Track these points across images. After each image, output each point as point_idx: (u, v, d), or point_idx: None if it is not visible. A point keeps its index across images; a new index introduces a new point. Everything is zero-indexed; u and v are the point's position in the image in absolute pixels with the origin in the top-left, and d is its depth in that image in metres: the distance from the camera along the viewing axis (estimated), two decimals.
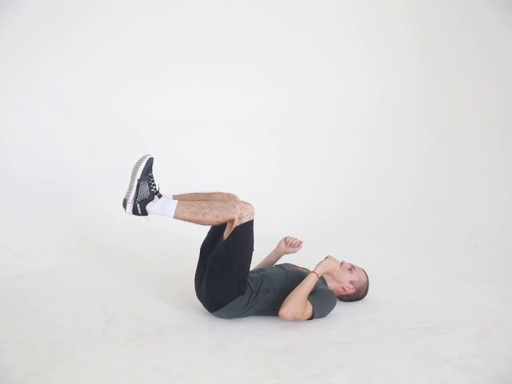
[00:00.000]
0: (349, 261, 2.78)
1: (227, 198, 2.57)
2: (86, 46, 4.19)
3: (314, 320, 2.49)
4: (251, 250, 2.48)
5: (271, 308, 2.49)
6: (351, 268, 2.70)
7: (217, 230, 2.52)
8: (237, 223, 2.41)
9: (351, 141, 4.78)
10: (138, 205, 2.42)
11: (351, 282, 2.68)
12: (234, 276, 2.40)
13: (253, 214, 2.44)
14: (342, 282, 2.67)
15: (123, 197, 2.46)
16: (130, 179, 2.44)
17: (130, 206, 2.43)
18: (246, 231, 2.42)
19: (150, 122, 4.37)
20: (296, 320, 2.43)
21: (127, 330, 2.37)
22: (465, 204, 4.19)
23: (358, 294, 2.71)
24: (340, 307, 2.65)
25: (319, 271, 2.53)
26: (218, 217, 2.42)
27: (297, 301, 2.40)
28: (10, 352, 2.14)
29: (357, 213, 4.35)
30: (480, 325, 2.47)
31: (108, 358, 2.12)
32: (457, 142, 4.56)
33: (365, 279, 2.73)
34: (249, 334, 2.35)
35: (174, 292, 2.84)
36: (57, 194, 3.89)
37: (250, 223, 2.44)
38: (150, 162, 2.46)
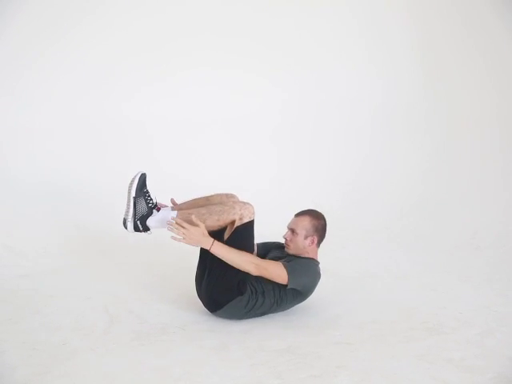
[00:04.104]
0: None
1: (226, 199, 2.55)
2: (89, 47, 4.19)
3: (316, 320, 2.49)
4: (251, 249, 2.48)
5: (273, 309, 2.49)
6: (292, 231, 2.58)
7: (217, 230, 2.51)
8: (238, 223, 2.40)
9: (352, 141, 4.78)
10: (139, 222, 2.44)
11: (306, 237, 2.56)
12: (233, 276, 2.40)
13: (253, 214, 2.43)
14: (304, 246, 2.56)
15: (122, 216, 2.45)
16: (126, 198, 2.44)
17: (130, 225, 2.44)
18: (246, 231, 2.42)
19: (153, 122, 4.37)
20: (270, 275, 2.39)
21: (129, 330, 2.38)
22: (467, 205, 4.18)
23: (319, 230, 2.58)
24: (342, 307, 2.65)
25: (205, 246, 2.35)
26: (219, 220, 2.42)
27: (242, 262, 2.35)
28: (12, 352, 2.15)
29: (359, 213, 4.34)
30: (482, 325, 2.47)
31: (110, 358, 2.12)
32: (458, 142, 4.57)
33: (306, 219, 2.57)
34: (251, 335, 2.35)
35: (177, 292, 2.84)
36: (59, 195, 3.90)
37: (251, 223, 2.43)
38: (143, 178, 2.46)
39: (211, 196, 2.61)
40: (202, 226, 2.37)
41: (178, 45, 4.43)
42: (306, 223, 2.57)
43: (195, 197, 2.63)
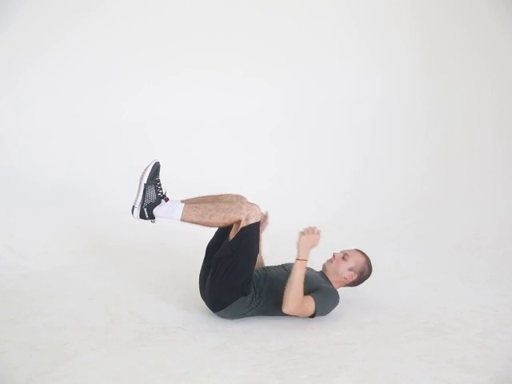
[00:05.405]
0: (341, 248, 2.71)
1: (235, 200, 2.56)
2: (89, 47, 4.19)
3: (317, 320, 2.49)
4: (256, 251, 2.48)
5: (274, 309, 2.49)
6: (344, 256, 2.62)
7: (224, 230, 2.52)
8: (243, 224, 2.40)
9: (353, 141, 4.77)
10: (145, 209, 2.44)
11: (350, 269, 2.60)
12: (238, 277, 2.40)
13: (259, 215, 2.44)
14: (341, 274, 2.60)
15: (132, 204, 2.47)
16: (138, 185, 2.46)
17: (137, 211, 2.45)
18: (252, 232, 2.42)
19: (153, 122, 4.37)
20: (299, 314, 2.41)
21: (130, 330, 2.38)
22: (468, 204, 4.18)
23: (362, 276, 2.64)
24: (343, 307, 2.65)
25: (302, 255, 2.41)
26: (225, 218, 2.43)
27: (294, 295, 2.36)
28: (13, 352, 2.15)
29: (360, 213, 4.34)
30: (483, 326, 2.47)
31: (111, 358, 2.13)
32: (459, 143, 4.56)
33: (362, 259, 2.64)
34: (252, 335, 2.35)
35: (177, 292, 2.84)
36: (61, 195, 3.90)
37: (257, 225, 2.43)
38: (156, 166, 2.48)
39: (221, 195, 2.63)
40: (319, 243, 2.47)
41: (178, 45, 4.43)
42: (360, 260, 2.63)
43: (202, 194, 2.65)
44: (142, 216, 2.46)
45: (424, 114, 4.74)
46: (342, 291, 2.83)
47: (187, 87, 4.48)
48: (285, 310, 2.38)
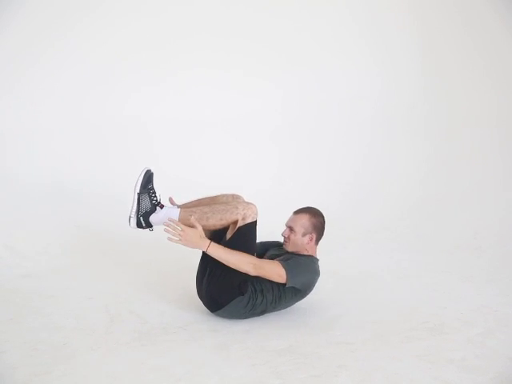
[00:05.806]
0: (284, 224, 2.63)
1: (231, 200, 2.56)
2: (90, 47, 4.20)
3: (317, 320, 2.49)
4: (253, 250, 2.47)
5: (273, 306, 2.48)
6: (290, 230, 2.56)
7: (220, 230, 2.51)
8: (240, 223, 2.40)
9: (353, 141, 4.78)
10: (141, 218, 2.45)
11: (304, 235, 2.54)
12: (235, 276, 2.40)
13: (256, 215, 2.43)
14: (302, 243, 2.55)
15: (128, 214, 2.48)
16: (132, 195, 2.47)
17: (133, 220, 2.46)
18: (248, 231, 2.42)
19: (154, 122, 4.38)
20: (269, 276, 2.39)
21: (130, 330, 2.38)
22: (468, 204, 4.18)
23: (318, 228, 2.57)
24: (342, 307, 2.65)
25: (202, 247, 2.35)
26: (222, 220, 2.42)
27: (238, 263, 2.34)
28: (13, 352, 2.15)
29: (360, 213, 4.34)
30: (483, 325, 2.47)
31: (111, 358, 2.13)
32: (458, 143, 4.57)
33: (305, 217, 2.55)
34: (251, 335, 2.35)
35: (177, 292, 2.84)
36: (60, 195, 3.90)
37: (254, 224, 2.43)
38: (148, 174, 2.48)
39: (216, 196, 2.62)
40: (199, 227, 2.37)
41: (179, 45, 4.44)
42: (305, 221, 2.56)
43: (199, 196, 2.64)
44: (139, 225, 2.47)
45: (423, 114, 4.75)
46: (342, 289, 2.85)
47: (187, 87, 4.49)
48: (251, 274, 2.37)
